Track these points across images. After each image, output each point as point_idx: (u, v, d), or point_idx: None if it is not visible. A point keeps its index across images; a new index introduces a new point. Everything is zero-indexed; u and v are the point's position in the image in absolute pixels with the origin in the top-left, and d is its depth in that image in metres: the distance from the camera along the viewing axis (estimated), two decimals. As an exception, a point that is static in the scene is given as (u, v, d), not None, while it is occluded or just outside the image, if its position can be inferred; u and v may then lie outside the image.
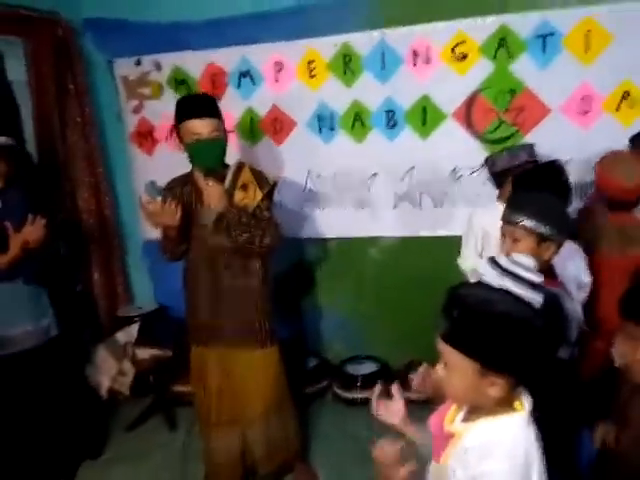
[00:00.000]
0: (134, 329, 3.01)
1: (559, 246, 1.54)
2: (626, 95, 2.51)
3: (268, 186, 2.11)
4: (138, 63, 3.02)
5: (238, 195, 2.06)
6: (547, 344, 1.00)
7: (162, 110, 3.02)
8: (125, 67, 3.06)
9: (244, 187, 2.07)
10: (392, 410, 1.27)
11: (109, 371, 2.98)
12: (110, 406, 2.99)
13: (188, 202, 2.08)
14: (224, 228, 2.00)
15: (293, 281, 3.08)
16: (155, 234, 3.19)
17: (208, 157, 2.01)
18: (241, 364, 2.16)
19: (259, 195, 2.07)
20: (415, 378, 1.38)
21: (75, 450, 2.57)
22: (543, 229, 1.49)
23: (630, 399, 1.29)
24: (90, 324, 3.12)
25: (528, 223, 1.50)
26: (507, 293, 1.02)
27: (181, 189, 2.13)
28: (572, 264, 1.89)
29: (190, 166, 2.13)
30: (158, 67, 3.01)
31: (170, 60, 2.99)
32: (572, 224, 1.72)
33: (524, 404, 1.03)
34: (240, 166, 2.11)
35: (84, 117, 3.05)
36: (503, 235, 1.60)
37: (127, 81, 3.08)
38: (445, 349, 1.02)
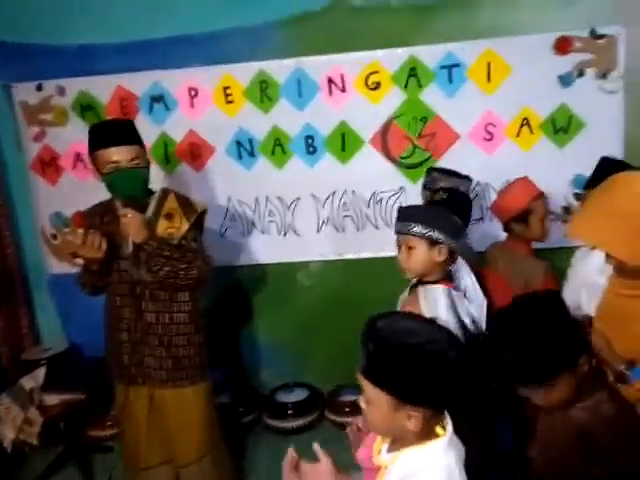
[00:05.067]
0: (41, 373, 2.76)
1: (450, 250, 1.66)
2: (525, 122, 2.72)
3: (195, 214, 2.00)
4: (39, 88, 2.83)
5: (162, 224, 1.95)
6: (461, 374, 1.00)
7: (67, 137, 2.86)
8: (25, 92, 2.85)
9: (169, 216, 1.96)
10: (320, 472, 1.12)
11: (13, 421, 2.70)
12: (17, 459, 2.71)
13: (109, 232, 1.92)
14: (144, 261, 1.88)
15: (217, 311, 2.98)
16: (62, 268, 3.04)
17: (127, 187, 1.88)
18: (171, 403, 2.03)
19: (185, 225, 1.97)
20: (352, 438, 1.32)
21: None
22: (432, 233, 1.61)
23: (537, 413, 1.35)
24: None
25: (419, 229, 1.61)
26: (424, 323, 1.04)
27: (101, 218, 1.99)
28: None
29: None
30: (61, 92, 2.83)
31: (75, 85, 2.83)
32: (460, 229, 1.83)
33: (446, 426, 1.04)
34: (165, 193, 2.01)
35: (-23, 145, 2.80)
36: (399, 246, 1.70)
37: (27, 107, 2.86)
38: (363, 382, 1.02)
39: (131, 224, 1.84)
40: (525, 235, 2.15)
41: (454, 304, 1.63)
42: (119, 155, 1.84)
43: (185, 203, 2.01)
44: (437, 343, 0.98)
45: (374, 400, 1.01)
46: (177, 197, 2.02)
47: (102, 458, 2.78)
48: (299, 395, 2.94)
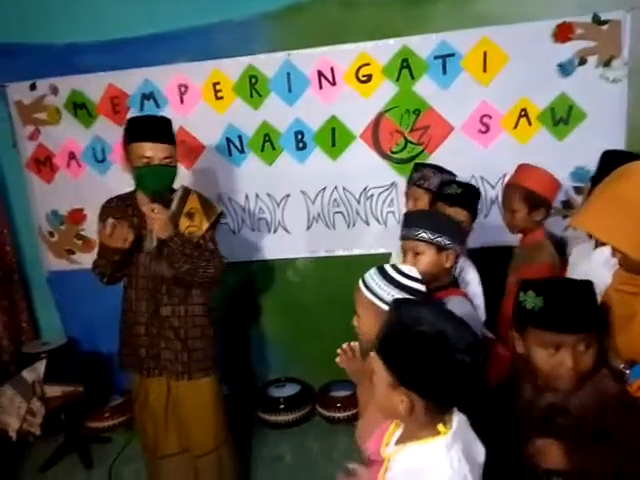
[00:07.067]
0: (41, 366, 2.85)
1: (456, 255, 1.66)
2: (523, 113, 2.61)
3: (215, 215, 2.05)
4: (33, 87, 2.86)
5: (183, 222, 1.98)
6: (466, 376, 0.97)
7: (61, 135, 2.90)
8: (19, 92, 2.88)
9: (190, 215, 2.00)
10: None
11: (18, 411, 2.80)
12: (21, 448, 2.82)
13: (132, 226, 1.94)
14: (165, 257, 1.92)
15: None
16: (60, 265, 3.11)
17: (156, 183, 1.90)
18: (187, 394, 2.08)
19: (205, 224, 2.01)
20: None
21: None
22: (441, 239, 1.61)
23: (534, 398, 1.34)
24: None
25: (427, 235, 1.61)
26: (448, 319, 1.02)
27: (122, 210, 2.01)
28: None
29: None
30: (55, 91, 2.85)
31: (67, 83, 2.84)
32: (465, 234, 1.84)
33: (451, 425, 1.02)
34: (187, 192, 2.04)
35: (-25, 144, 2.86)
36: (405, 252, 1.69)
37: (22, 106, 2.90)
38: (374, 354, 1.06)
39: (158, 220, 1.86)
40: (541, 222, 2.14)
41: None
42: (153, 151, 1.85)
43: (206, 203, 2.05)
44: (450, 340, 0.96)
45: (378, 372, 1.04)
46: (199, 197, 2.05)
47: (101, 448, 2.86)
48: (290, 390, 2.96)
